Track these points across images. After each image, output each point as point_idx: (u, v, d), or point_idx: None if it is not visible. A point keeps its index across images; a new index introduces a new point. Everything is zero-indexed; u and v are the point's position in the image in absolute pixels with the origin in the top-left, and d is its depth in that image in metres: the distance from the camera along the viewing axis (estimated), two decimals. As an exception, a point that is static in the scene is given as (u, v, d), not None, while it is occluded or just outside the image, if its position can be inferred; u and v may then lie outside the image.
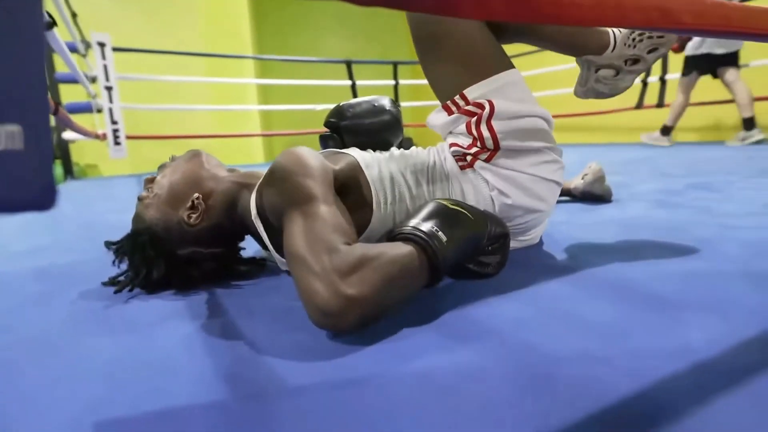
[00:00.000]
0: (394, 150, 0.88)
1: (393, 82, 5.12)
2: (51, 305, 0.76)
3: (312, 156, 0.70)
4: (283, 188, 0.65)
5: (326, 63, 5.28)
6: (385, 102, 0.98)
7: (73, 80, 3.62)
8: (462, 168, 0.84)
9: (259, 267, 0.88)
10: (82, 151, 5.03)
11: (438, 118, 0.88)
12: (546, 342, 0.53)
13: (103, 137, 3.67)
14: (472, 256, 0.69)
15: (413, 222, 0.62)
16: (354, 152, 0.84)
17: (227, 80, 4.85)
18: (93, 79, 3.75)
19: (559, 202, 1.43)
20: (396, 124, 0.97)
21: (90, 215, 1.88)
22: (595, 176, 1.40)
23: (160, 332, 0.62)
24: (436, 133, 0.92)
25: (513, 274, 0.76)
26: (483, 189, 0.83)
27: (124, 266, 0.80)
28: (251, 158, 5.77)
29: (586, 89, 0.97)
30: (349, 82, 4.92)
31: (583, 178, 1.42)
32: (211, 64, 5.31)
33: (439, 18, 0.79)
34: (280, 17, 6.91)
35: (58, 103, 1.49)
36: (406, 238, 0.60)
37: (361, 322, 0.53)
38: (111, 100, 3.79)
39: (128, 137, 3.91)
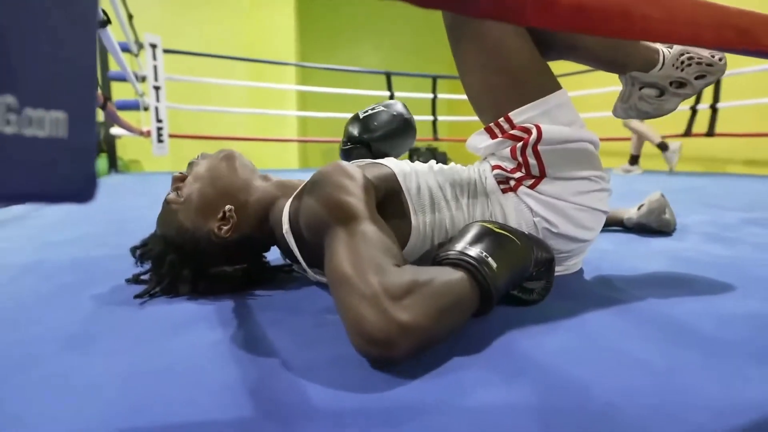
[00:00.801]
0: (432, 163, 0.85)
1: (431, 95, 5.11)
2: (80, 298, 0.76)
3: (356, 171, 0.67)
4: (327, 204, 0.61)
5: (366, 73, 5.33)
6: (399, 107, 0.96)
7: (123, 78, 3.77)
8: (504, 191, 0.80)
9: (285, 276, 0.86)
10: (126, 146, 5.21)
11: (480, 140, 0.83)
12: (595, 380, 0.49)
13: (148, 134, 3.80)
14: (518, 283, 0.65)
15: (459, 246, 0.57)
16: (391, 163, 0.80)
17: (268, 85, 4.95)
18: (142, 79, 3.89)
19: (608, 230, 1.36)
20: (413, 131, 0.97)
21: (126, 210, 1.92)
22: (652, 207, 1.29)
23: (184, 338, 0.61)
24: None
25: (557, 303, 0.72)
26: (526, 213, 0.78)
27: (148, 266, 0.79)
28: (286, 163, 5.85)
29: (627, 106, 0.92)
30: (388, 93, 4.94)
31: (638, 209, 1.31)
32: (253, 69, 5.44)
33: (485, 31, 0.75)
34: (324, 28, 7.04)
35: (107, 98, 1.53)
36: (455, 263, 0.56)
37: (412, 352, 0.48)
38: (158, 99, 3.92)
39: (170, 136, 4.02)
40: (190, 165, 0.80)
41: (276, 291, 0.79)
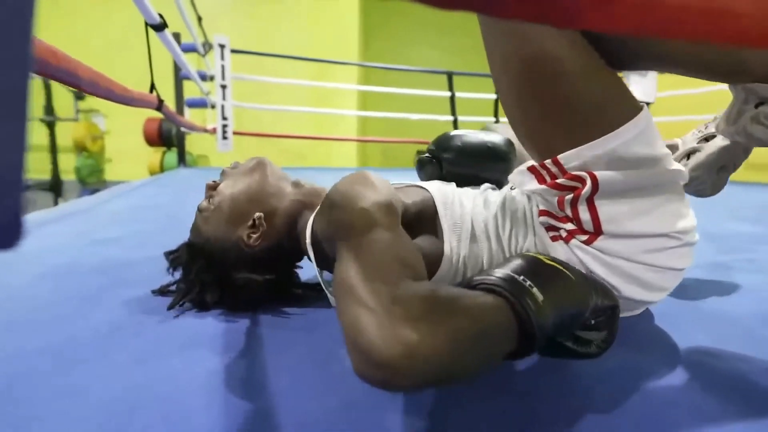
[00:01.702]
0: (484, 189, 0.76)
1: (494, 96, 4.93)
2: (100, 304, 0.76)
3: (378, 180, 0.61)
4: (341, 212, 0.55)
5: (427, 73, 5.24)
6: (499, 141, 0.87)
7: (196, 78, 3.95)
8: (553, 239, 0.66)
9: (314, 293, 0.81)
10: (196, 141, 5.48)
11: (524, 182, 0.67)
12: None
13: (213, 131, 3.95)
14: (570, 329, 0.52)
15: (499, 271, 0.47)
16: (432, 187, 0.73)
17: (328, 84, 5.00)
18: (211, 78, 4.05)
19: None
20: (500, 161, 0.86)
21: (182, 205, 1.98)
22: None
23: (188, 360, 0.58)
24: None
25: (620, 357, 0.60)
26: (578, 263, 0.64)
27: (178, 274, 0.77)
28: (345, 162, 5.90)
29: (735, 129, 0.69)
30: (449, 94, 4.83)
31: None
32: (316, 68, 5.52)
33: (523, 38, 0.58)
34: (388, 27, 7.02)
35: (161, 100, 1.57)
36: (490, 288, 0.45)
37: (420, 382, 0.39)
38: (224, 98, 4.08)
39: (235, 133, 4.17)
40: (223, 173, 0.79)
41: (295, 312, 0.74)
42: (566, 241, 0.65)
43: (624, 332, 0.67)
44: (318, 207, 0.68)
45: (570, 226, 0.63)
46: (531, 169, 0.66)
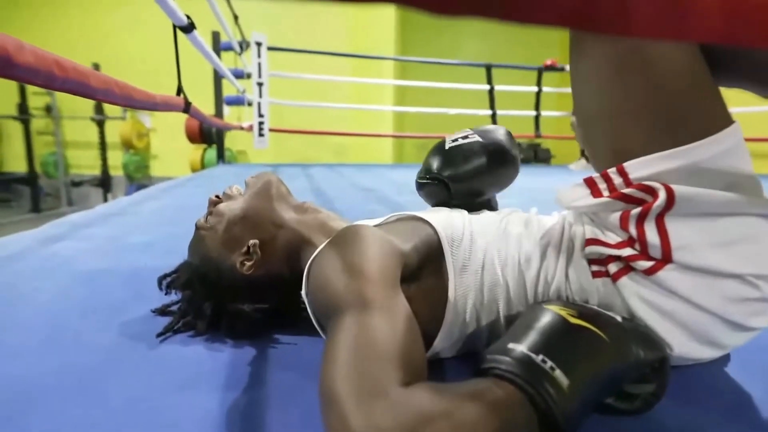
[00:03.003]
0: (506, 215, 0.66)
1: (535, 88, 4.74)
2: (110, 323, 0.74)
3: (370, 235, 0.53)
4: (328, 286, 0.49)
5: (465, 66, 5.11)
6: (498, 135, 0.73)
7: (238, 75, 4.01)
8: (595, 275, 0.56)
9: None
10: (236, 138, 5.59)
11: (576, 195, 0.57)
12: None
13: (249, 129, 3.99)
14: (608, 396, 0.45)
15: (513, 346, 0.40)
16: (437, 220, 0.62)
17: (365, 80, 4.95)
18: (249, 75, 4.10)
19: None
20: (512, 166, 0.74)
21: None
22: None
23: (184, 400, 0.54)
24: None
25: (673, 413, 0.51)
26: (622, 303, 0.54)
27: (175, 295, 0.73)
28: (380, 158, 5.85)
29: None
30: (488, 87, 4.68)
31: None
32: (353, 64, 5.48)
33: None
34: (425, 21, 6.88)
35: (189, 103, 1.57)
36: (501, 376, 0.39)
37: None
38: (261, 95, 4.12)
39: (271, 130, 4.20)
40: (224, 194, 0.74)
41: (302, 340, 0.69)
42: (615, 278, 0.54)
43: (681, 381, 0.57)
44: (318, 248, 0.60)
45: (628, 251, 0.52)
46: (588, 181, 0.56)
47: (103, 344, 0.66)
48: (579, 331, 0.42)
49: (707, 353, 0.55)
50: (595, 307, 0.47)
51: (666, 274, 0.51)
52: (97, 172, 5.87)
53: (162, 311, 0.74)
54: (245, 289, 0.66)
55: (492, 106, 4.72)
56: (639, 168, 0.52)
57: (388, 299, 0.45)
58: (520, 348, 0.40)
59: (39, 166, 5.67)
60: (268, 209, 0.69)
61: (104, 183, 5.88)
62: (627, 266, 0.53)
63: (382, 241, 0.53)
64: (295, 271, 0.65)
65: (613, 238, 0.55)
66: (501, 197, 0.84)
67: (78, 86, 0.69)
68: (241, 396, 0.54)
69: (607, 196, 0.54)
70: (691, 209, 0.50)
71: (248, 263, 0.65)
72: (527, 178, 3.59)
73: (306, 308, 0.60)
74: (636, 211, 0.51)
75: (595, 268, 0.56)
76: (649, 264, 0.51)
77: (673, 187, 0.50)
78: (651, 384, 0.45)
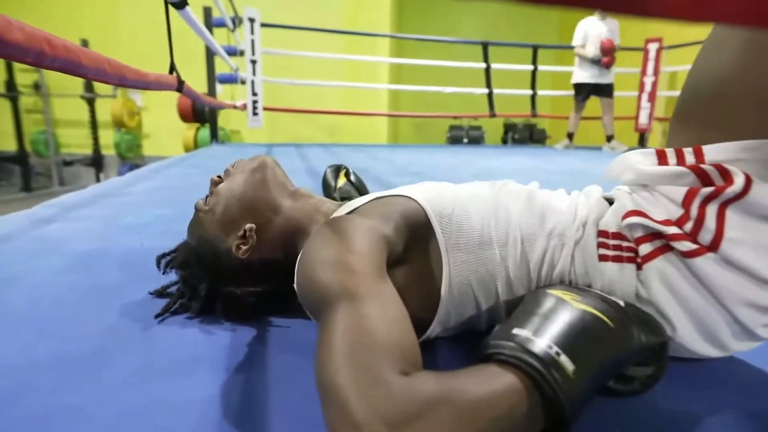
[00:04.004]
0: (499, 188, 0.63)
1: (530, 67, 4.70)
2: (104, 308, 0.73)
3: (352, 230, 0.51)
4: (314, 287, 0.47)
5: (461, 44, 5.04)
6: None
7: (231, 53, 3.93)
8: (601, 258, 0.54)
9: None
10: (230, 117, 5.51)
11: (643, 161, 0.55)
12: None
13: (242, 108, 3.94)
14: (608, 380, 0.45)
15: (517, 332, 0.40)
16: (421, 195, 0.60)
17: (360, 57, 4.87)
18: (242, 53, 4.02)
19: None
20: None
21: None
22: None
23: (182, 384, 0.54)
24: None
25: (671, 395, 0.51)
26: (628, 287, 0.53)
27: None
28: (376, 138, 5.81)
29: None
30: (484, 65, 4.63)
31: None
32: (347, 42, 5.39)
33: None
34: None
35: (182, 81, 1.53)
36: (505, 361, 0.38)
37: None
38: (254, 73, 4.05)
39: (265, 109, 4.15)
40: (226, 172, 0.73)
41: (298, 321, 0.69)
42: (647, 259, 0.52)
43: (682, 366, 0.57)
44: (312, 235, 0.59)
45: (674, 230, 0.50)
46: (659, 151, 0.55)
47: (98, 327, 0.66)
48: (583, 317, 0.42)
49: (706, 350, 0.54)
50: (598, 292, 0.47)
51: (703, 261, 0.49)
52: (88, 151, 5.79)
53: (160, 293, 0.74)
54: (240, 273, 0.66)
55: (488, 85, 4.67)
56: (717, 151, 0.50)
57: (376, 287, 0.44)
58: (525, 333, 0.39)
59: (29, 145, 5.58)
60: (265, 194, 0.68)
61: (96, 162, 5.81)
62: (665, 246, 0.52)
63: (363, 229, 0.52)
64: (290, 256, 0.64)
65: (662, 214, 0.52)
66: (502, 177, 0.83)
67: (69, 65, 0.67)
68: (239, 378, 0.54)
69: (684, 166, 0.51)
70: (758, 206, 0.48)
71: (244, 247, 0.64)
72: (524, 159, 3.60)
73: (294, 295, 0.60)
74: (707, 190, 0.49)
75: (602, 251, 0.55)
76: (693, 247, 0.50)
77: (753, 177, 0.48)
78: (650, 367, 0.45)
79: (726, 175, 0.48)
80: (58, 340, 0.62)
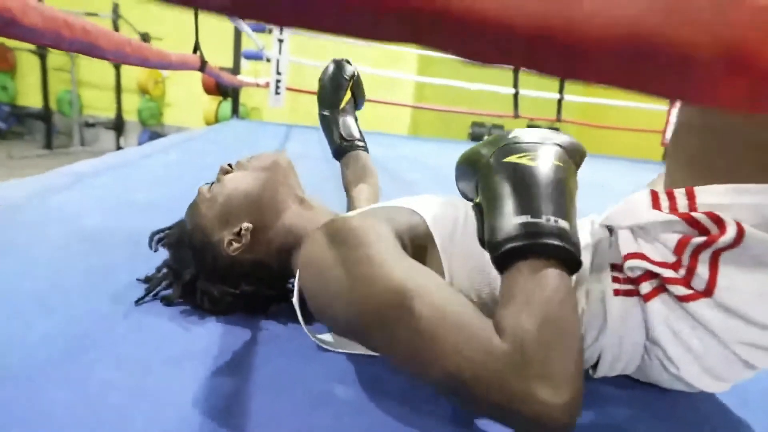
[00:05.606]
0: None
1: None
2: (98, 290, 0.72)
3: (362, 232, 0.51)
4: (356, 308, 0.47)
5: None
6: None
7: (259, 30, 3.91)
8: (617, 293, 0.54)
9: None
10: (252, 94, 5.50)
11: (641, 206, 0.54)
12: None
13: (265, 86, 3.92)
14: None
15: (518, 219, 0.42)
16: (425, 209, 0.61)
17: (390, 46, 4.80)
18: (270, 30, 3.99)
19: None
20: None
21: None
22: None
23: (171, 372, 0.54)
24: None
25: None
26: (635, 329, 0.53)
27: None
28: (396, 128, 5.76)
29: None
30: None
31: None
32: (377, 28, 5.31)
33: None
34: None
35: (204, 61, 1.53)
36: (529, 250, 0.42)
37: (578, 405, 0.38)
38: (280, 52, 4.02)
39: (288, 89, 4.12)
40: (239, 163, 0.72)
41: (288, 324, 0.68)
42: (647, 298, 0.52)
43: (674, 407, 0.57)
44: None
45: (670, 273, 0.50)
46: (652, 193, 0.54)
47: (92, 310, 0.66)
48: (546, 172, 0.45)
49: (713, 386, 0.54)
50: (541, 129, 0.52)
51: (699, 305, 0.49)
52: (111, 114, 5.84)
53: (147, 280, 0.72)
54: (224, 269, 0.65)
55: (515, 85, 4.57)
56: (708, 195, 0.49)
57: (416, 273, 0.46)
58: (524, 219, 0.42)
59: (54, 103, 5.64)
60: (272, 195, 0.67)
61: (117, 126, 5.86)
62: (661, 287, 0.51)
63: (373, 227, 0.52)
64: (283, 266, 0.64)
65: (658, 257, 0.52)
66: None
67: (87, 47, 0.66)
68: (229, 371, 0.53)
69: (675, 214, 0.51)
70: (751, 254, 0.47)
71: (236, 244, 0.64)
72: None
73: (282, 298, 0.65)
74: (698, 240, 0.48)
75: (623, 286, 0.54)
76: (686, 292, 0.49)
77: (745, 227, 0.46)
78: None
79: (719, 223, 0.48)
80: (50, 321, 0.62)
